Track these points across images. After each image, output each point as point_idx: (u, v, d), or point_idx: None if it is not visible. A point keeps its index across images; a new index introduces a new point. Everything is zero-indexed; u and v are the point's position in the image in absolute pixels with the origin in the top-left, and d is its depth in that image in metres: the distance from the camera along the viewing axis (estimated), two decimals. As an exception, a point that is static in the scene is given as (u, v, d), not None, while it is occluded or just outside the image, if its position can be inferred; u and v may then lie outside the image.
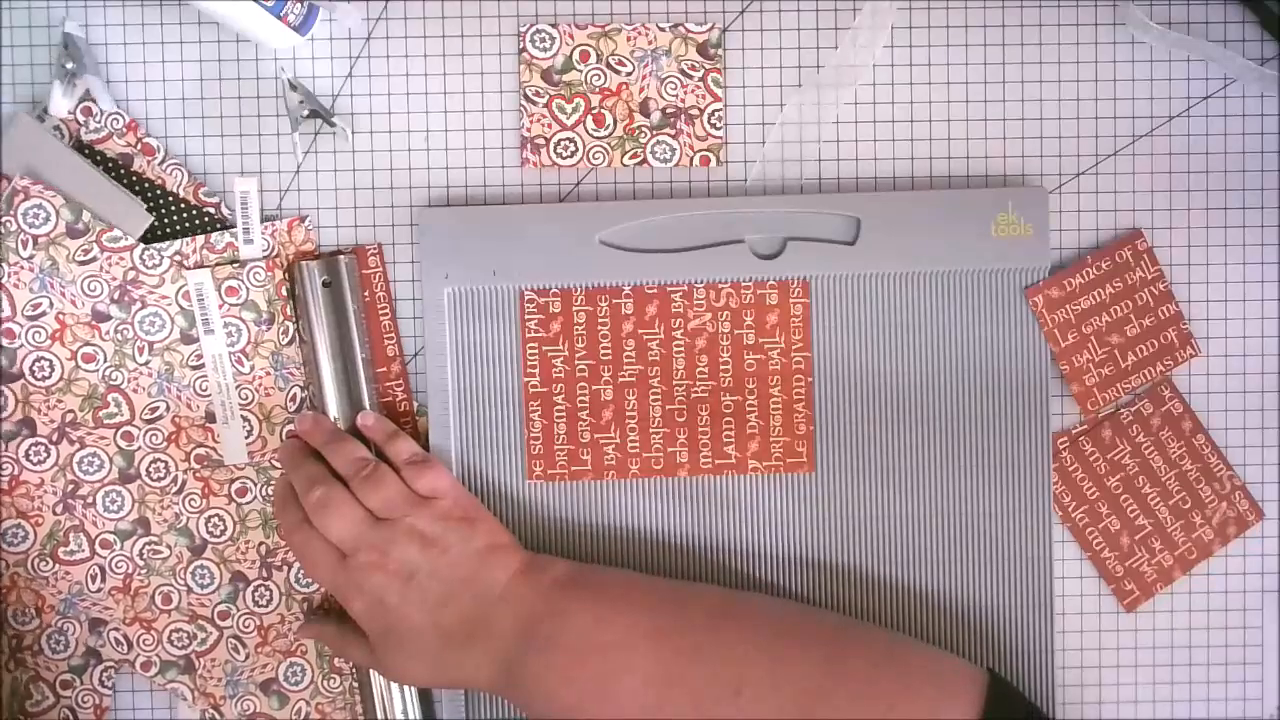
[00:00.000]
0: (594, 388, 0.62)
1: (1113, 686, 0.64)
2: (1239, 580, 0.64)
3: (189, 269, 0.61)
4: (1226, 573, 0.64)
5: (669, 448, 0.62)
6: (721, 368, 0.62)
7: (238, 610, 0.62)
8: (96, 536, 0.62)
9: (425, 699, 0.62)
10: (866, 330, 0.62)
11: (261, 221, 0.61)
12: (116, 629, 0.62)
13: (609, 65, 0.62)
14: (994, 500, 0.62)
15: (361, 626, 0.58)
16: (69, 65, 0.60)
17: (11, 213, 0.60)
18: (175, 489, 0.62)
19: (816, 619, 0.58)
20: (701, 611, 0.56)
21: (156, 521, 0.62)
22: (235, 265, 0.61)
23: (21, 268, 0.60)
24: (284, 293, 0.61)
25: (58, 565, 0.62)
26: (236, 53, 0.62)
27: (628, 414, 0.62)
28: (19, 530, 0.61)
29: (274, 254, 0.61)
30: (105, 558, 0.62)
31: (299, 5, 0.60)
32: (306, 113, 0.61)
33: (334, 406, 0.61)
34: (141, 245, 0.61)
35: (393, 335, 0.62)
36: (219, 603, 0.62)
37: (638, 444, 0.62)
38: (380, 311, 0.62)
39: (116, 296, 0.61)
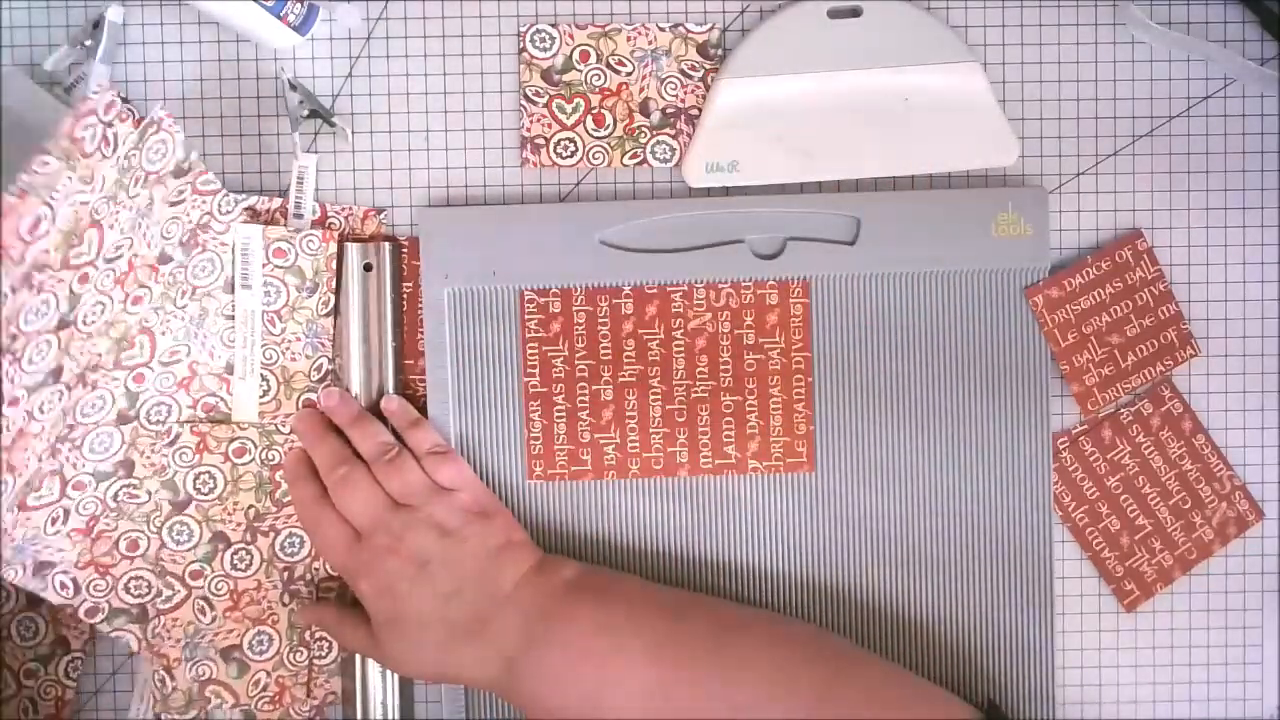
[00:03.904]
0: (594, 388, 0.62)
1: (1113, 686, 0.64)
2: (1239, 580, 0.64)
3: (245, 224, 0.60)
4: (1226, 573, 0.64)
5: (669, 448, 0.62)
6: (721, 368, 0.62)
7: (212, 571, 0.61)
8: (71, 479, 0.59)
9: (407, 704, 0.62)
10: (866, 330, 0.62)
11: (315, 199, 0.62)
12: (65, 572, 0.59)
13: (609, 65, 0.62)
14: (994, 500, 0.62)
15: (367, 609, 0.58)
16: (87, 43, 0.60)
17: (141, 145, 0.56)
18: (168, 441, 0.60)
19: (817, 644, 0.58)
20: (703, 628, 0.56)
21: (142, 464, 0.60)
22: (291, 229, 0.61)
23: (124, 206, 0.56)
24: (332, 266, 0.61)
25: (21, 513, 0.57)
26: (236, 53, 0.62)
27: (628, 414, 0.62)
28: (5, 485, 0.57)
29: (332, 227, 0.61)
30: (74, 500, 0.59)
31: (299, 5, 0.60)
32: (306, 113, 0.61)
33: (356, 388, 0.61)
34: (223, 191, 0.60)
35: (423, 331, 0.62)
36: (193, 561, 0.61)
37: (638, 444, 0.62)
38: (420, 306, 0.62)
39: (185, 240, 0.59)
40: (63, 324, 0.55)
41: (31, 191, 0.51)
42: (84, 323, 0.56)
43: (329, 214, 0.62)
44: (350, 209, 0.62)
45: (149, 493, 0.60)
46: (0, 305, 0.50)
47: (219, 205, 0.60)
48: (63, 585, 0.59)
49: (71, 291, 0.54)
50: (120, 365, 0.59)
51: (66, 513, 0.59)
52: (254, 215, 0.61)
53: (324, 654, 0.62)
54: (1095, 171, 0.63)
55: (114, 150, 0.54)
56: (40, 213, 0.51)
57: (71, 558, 0.59)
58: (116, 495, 0.60)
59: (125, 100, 0.56)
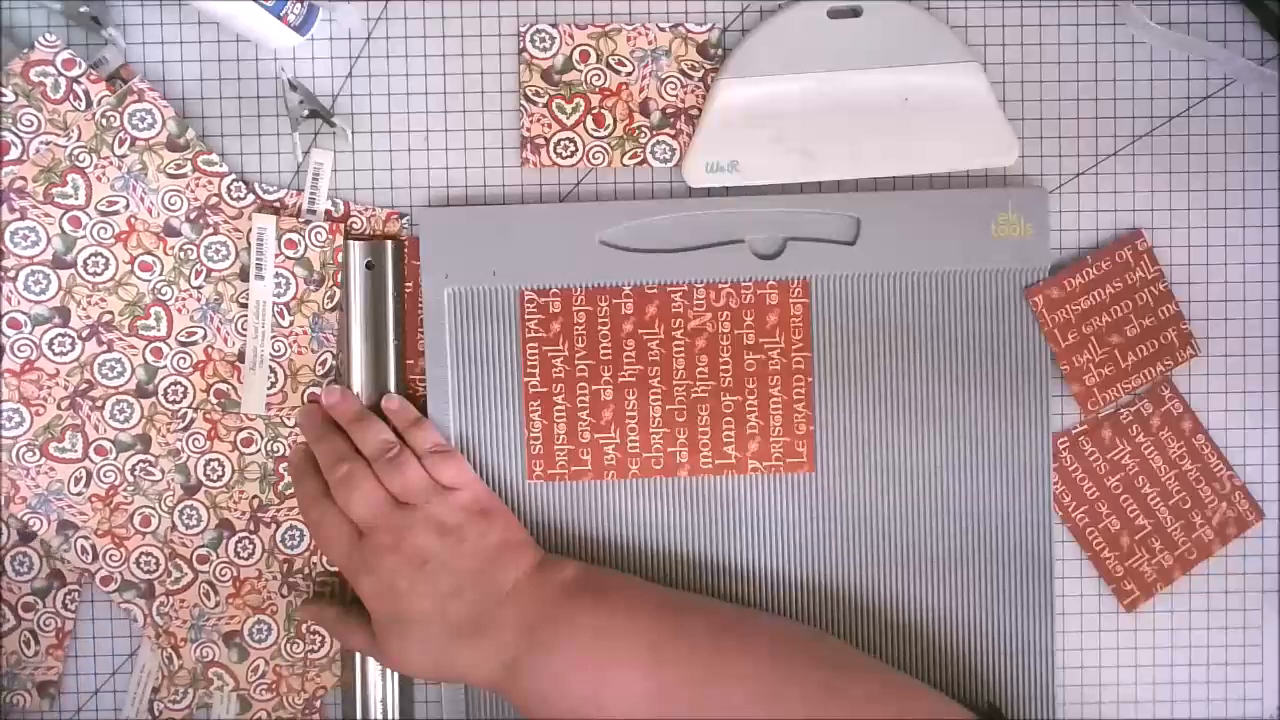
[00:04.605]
0: (594, 388, 0.62)
1: (1113, 686, 0.64)
2: (1239, 580, 0.64)
3: (259, 212, 0.61)
4: (1226, 573, 0.64)
5: (669, 448, 0.62)
6: (721, 368, 0.62)
7: (217, 558, 0.62)
8: (94, 441, 0.61)
9: (407, 704, 0.62)
10: (866, 330, 0.62)
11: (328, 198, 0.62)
12: (86, 537, 0.62)
13: (609, 65, 0.62)
14: (994, 500, 0.62)
15: (368, 607, 0.58)
16: (83, 9, 0.60)
17: (120, 109, 0.60)
18: (183, 425, 0.61)
19: (815, 647, 0.58)
20: (702, 629, 0.56)
21: (159, 442, 0.62)
22: (301, 220, 0.61)
23: (110, 163, 0.60)
24: (339, 259, 0.61)
25: (44, 459, 0.61)
26: (236, 53, 0.62)
27: (628, 414, 0.62)
28: (16, 415, 0.61)
29: (341, 221, 0.62)
30: (96, 464, 0.61)
31: (299, 5, 0.60)
32: (306, 113, 0.61)
33: (358, 386, 0.61)
34: (231, 175, 0.61)
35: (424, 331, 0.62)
36: (200, 546, 0.62)
37: (638, 444, 0.62)
38: (420, 306, 0.62)
39: (192, 217, 0.61)
40: (60, 262, 0.60)
41: None
42: (86, 270, 0.60)
43: (351, 213, 0.62)
44: (372, 210, 0.62)
45: (163, 471, 0.62)
46: None
47: (228, 189, 0.61)
48: (84, 550, 0.62)
49: (63, 231, 0.60)
50: (137, 334, 0.61)
51: (89, 475, 0.61)
52: (275, 209, 0.61)
53: (317, 648, 0.63)
54: (1095, 171, 0.63)
55: (88, 106, 0.60)
56: (6, 138, 0.59)
57: (92, 525, 0.62)
58: (134, 469, 0.62)
59: (95, 67, 0.60)
